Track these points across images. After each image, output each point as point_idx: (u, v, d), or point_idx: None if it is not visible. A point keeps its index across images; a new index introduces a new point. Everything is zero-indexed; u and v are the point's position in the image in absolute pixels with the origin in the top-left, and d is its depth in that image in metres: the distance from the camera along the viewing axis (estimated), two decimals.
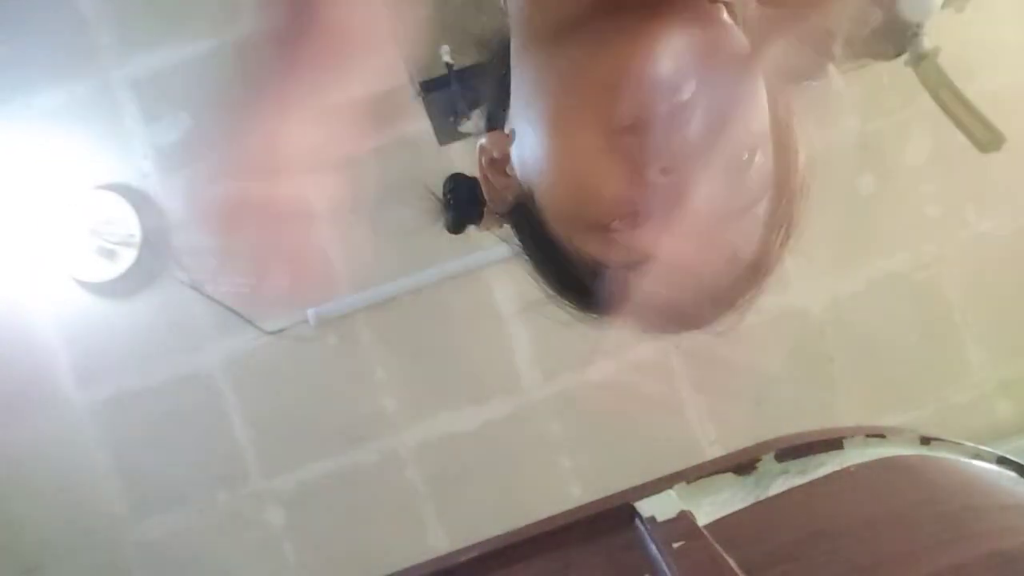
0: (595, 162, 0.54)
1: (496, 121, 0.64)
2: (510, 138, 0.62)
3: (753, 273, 0.61)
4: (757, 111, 0.56)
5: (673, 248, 0.56)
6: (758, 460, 0.75)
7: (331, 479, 2.18)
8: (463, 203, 0.70)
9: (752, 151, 0.56)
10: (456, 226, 0.71)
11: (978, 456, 0.80)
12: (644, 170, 0.53)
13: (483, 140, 0.64)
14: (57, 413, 2.14)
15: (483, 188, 0.66)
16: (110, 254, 2.11)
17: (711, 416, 2.23)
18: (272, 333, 2.17)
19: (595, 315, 0.65)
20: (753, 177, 0.57)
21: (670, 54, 0.53)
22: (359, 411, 2.20)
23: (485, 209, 0.69)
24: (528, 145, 0.59)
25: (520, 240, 0.64)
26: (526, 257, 0.65)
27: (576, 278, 0.62)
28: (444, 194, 0.72)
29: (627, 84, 0.53)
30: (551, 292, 0.65)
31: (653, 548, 0.65)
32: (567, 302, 0.65)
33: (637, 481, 0.77)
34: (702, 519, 0.67)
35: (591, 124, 0.54)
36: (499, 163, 0.63)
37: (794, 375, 2.25)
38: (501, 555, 0.71)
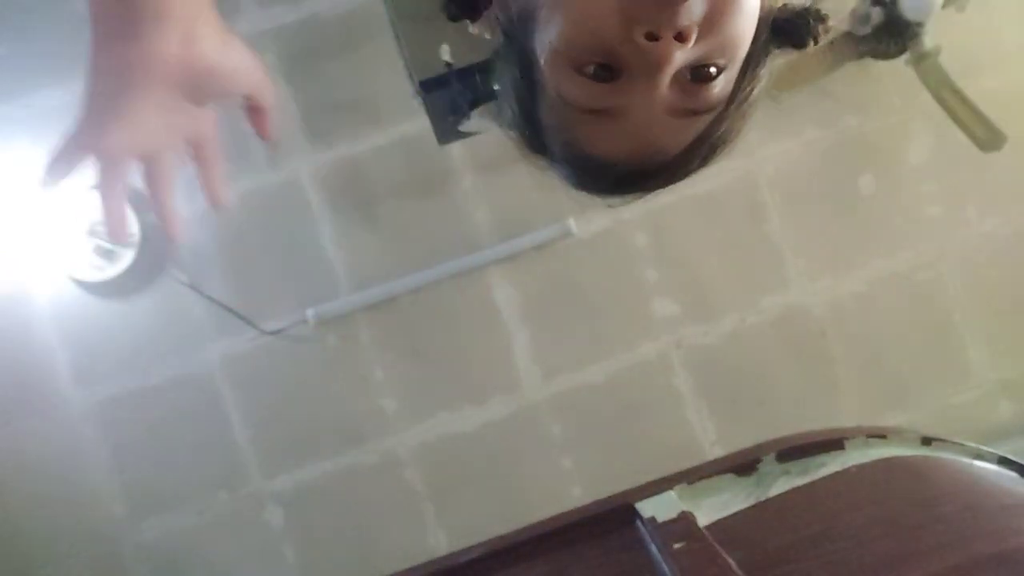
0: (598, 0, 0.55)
1: None
2: None
3: (669, 170, 0.64)
4: (747, 27, 0.58)
5: (625, 112, 0.59)
6: (759, 461, 0.75)
7: (331, 479, 2.18)
8: None
9: (722, 67, 0.58)
10: (457, 11, 0.71)
11: (979, 456, 0.79)
12: (633, 26, 0.54)
13: None
14: (55, 413, 2.13)
15: None
16: (108, 254, 2.10)
17: (712, 416, 2.23)
18: (271, 333, 2.16)
19: (539, 155, 0.68)
20: (713, 91, 0.59)
21: None
22: (358, 411, 2.20)
23: (488, 12, 0.69)
24: None
25: (504, 57, 0.65)
26: (502, 77, 0.66)
27: (538, 111, 0.64)
28: None
29: None
30: (512, 120, 0.67)
31: (653, 549, 0.64)
32: (521, 135, 0.68)
33: (638, 482, 0.76)
34: (703, 520, 0.67)
35: None
36: None
37: (794, 375, 2.24)
38: (501, 556, 0.71)
